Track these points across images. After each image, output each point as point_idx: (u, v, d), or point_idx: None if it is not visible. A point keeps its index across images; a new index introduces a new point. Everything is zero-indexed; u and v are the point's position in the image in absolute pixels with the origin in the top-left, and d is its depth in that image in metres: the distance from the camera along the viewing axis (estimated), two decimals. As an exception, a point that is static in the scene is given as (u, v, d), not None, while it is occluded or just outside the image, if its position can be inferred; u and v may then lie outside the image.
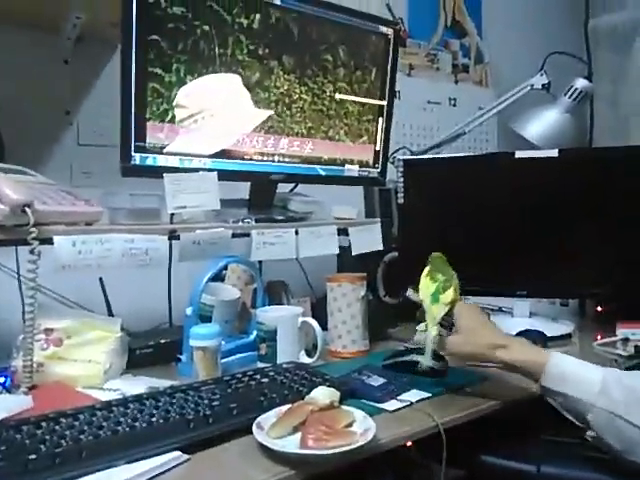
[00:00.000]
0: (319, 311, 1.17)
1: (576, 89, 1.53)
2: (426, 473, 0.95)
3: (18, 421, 0.66)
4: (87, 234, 0.88)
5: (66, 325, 0.90)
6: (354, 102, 1.26)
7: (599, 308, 1.36)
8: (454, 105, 1.94)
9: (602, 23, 1.68)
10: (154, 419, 0.69)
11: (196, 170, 1.02)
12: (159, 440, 0.65)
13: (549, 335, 1.14)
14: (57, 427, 0.65)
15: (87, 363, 0.87)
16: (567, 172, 1.17)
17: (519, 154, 1.21)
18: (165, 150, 1.01)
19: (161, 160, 1.01)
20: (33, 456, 0.58)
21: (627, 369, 0.94)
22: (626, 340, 1.13)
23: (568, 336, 1.21)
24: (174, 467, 0.63)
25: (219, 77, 1.06)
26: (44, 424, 0.65)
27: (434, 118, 1.88)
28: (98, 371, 0.87)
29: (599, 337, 1.17)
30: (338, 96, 1.23)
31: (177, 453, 0.65)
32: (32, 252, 0.81)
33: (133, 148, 0.97)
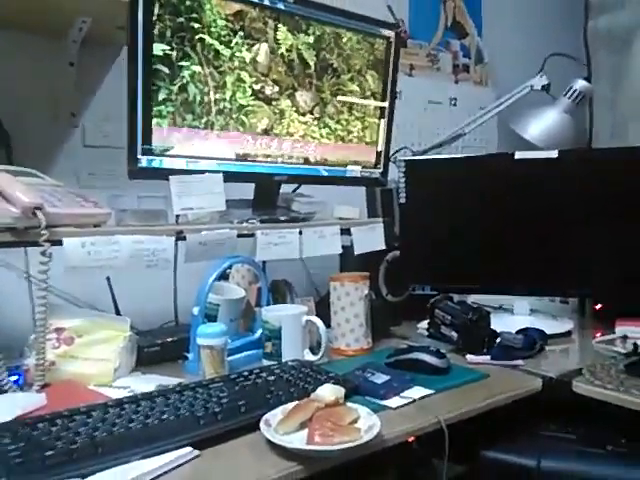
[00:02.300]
0: (322, 309, 1.19)
1: (575, 90, 1.54)
2: (429, 469, 0.98)
3: (34, 418, 0.68)
4: (96, 235, 0.90)
5: (76, 324, 0.92)
6: (357, 105, 1.26)
7: (598, 306, 1.38)
8: (454, 105, 1.96)
9: (601, 24, 1.70)
10: (165, 416, 0.70)
11: (202, 172, 1.04)
12: (171, 436, 0.67)
13: (549, 333, 1.15)
14: (71, 424, 0.67)
15: (98, 361, 0.89)
16: (567, 173, 1.19)
17: (519, 155, 1.22)
18: (171, 152, 1.03)
19: (167, 162, 1.03)
20: (50, 452, 0.60)
21: (626, 367, 0.96)
22: (625, 337, 1.15)
23: (568, 334, 1.23)
24: (186, 462, 0.65)
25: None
26: (59, 421, 0.67)
27: (435, 118, 1.90)
28: (109, 369, 0.89)
29: (598, 334, 1.19)
30: (340, 98, 1.19)
31: (188, 449, 0.67)
32: (43, 254, 0.82)
33: (140, 151, 0.99)
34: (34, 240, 0.83)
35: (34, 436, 0.63)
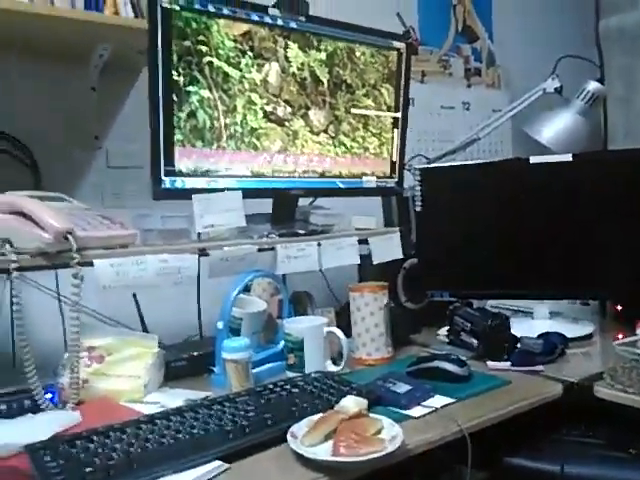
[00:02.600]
0: (342, 318, 1.21)
1: (588, 92, 1.54)
2: (452, 475, 0.99)
3: (71, 436, 0.71)
4: (124, 256, 0.93)
5: (107, 343, 0.96)
6: (372, 120, 1.24)
7: (619, 307, 1.37)
8: (467, 109, 1.97)
9: (612, 24, 1.69)
10: (195, 430, 0.73)
11: (222, 190, 1.07)
12: (201, 450, 0.70)
13: (570, 336, 1.16)
14: (107, 441, 0.70)
15: (128, 378, 0.92)
16: (582, 176, 1.19)
17: (534, 159, 1.23)
18: (192, 172, 1.06)
19: (189, 182, 1.06)
20: (89, 469, 0.63)
21: (647, 369, 0.96)
22: (646, 339, 1.14)
23: (589, 336, 1.23)
24: (216, 476, 0.68)
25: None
26: (95, 438, 0.70)
27: (448, 123, 1.91)
28: (139, 386, 0.92)
29: (620, 336, 1.19)
30: (355, 111, 1.19)
31: (218, 462, 0.69)
32: (75, 277, 0.86)
33: (163, 172, 1.03)
34: (65, 263, 0.87)
35: (73, 453, 0.67)
